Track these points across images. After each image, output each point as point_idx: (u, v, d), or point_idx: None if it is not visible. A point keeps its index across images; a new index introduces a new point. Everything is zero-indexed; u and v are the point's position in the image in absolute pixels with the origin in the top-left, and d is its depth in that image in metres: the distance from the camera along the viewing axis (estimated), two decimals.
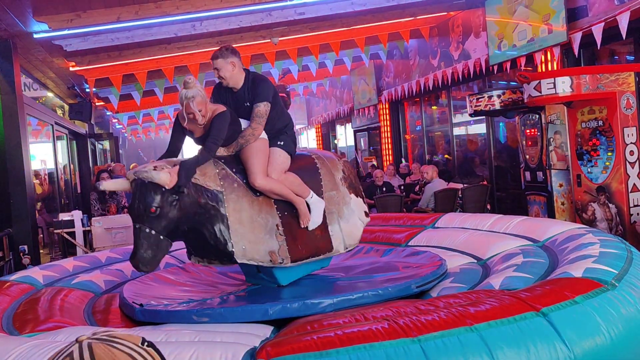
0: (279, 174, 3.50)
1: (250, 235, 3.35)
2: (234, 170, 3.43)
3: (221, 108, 3.38)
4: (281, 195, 3.50)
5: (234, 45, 3.89)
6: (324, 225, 3.69)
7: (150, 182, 3.03)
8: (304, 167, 3.75)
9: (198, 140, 3.45)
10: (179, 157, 3.48)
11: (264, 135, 3.55)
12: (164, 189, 3.05)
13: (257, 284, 3.75)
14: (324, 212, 3.69)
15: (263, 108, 3.48)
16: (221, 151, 3.48)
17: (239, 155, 3.50)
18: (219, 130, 3.30)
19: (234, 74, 3.55)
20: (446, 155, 11.01)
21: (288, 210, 3.56)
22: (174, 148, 3.48)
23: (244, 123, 3.53)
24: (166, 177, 3.03)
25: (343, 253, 3.89)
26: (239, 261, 3.34)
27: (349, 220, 3.83)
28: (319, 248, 3.66)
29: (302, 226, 3.58)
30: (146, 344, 1.06)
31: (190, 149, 3.69)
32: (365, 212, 4.01)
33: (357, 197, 3.96)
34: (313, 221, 3.62)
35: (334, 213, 3.76)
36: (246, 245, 3.32)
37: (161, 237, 3.11)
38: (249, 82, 3.57)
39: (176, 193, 3.09)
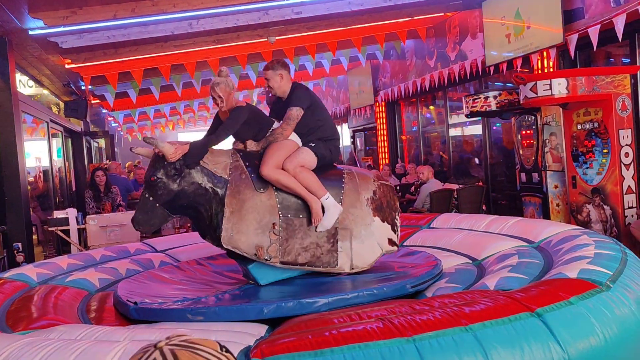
0: (294, 167, 3.59)
1: (241, 226, 3.48)
2: (247, 163, 3.61)
3: (242, 103, 3.72)
4: (289, 188, 3.58)
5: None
6: (333, 238, 3.67)
7: (158, 154, 3.43)
8: (329, 176, 3.79)
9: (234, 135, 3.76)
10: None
11: (296, 138, 3.74)
12: (166, 163, 3.40)
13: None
14: (338, 227, 3.67)
15: (295, 112, 3.70)
16: (252, 145, 3.74)
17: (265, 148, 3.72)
18: (232, 120, 3.57)
19: (281, 85, 3.84)
20: (441, 153, 11.04)
21: (293, 214, 3.61)
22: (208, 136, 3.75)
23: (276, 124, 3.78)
24: (169, 148, 3.38)
25: (347, 273, 3.73)
26: (224, 246, 3.50)
27: (363, 242, 3.73)
28: (320, 259, 3.65)
29: (314, 224, 3.60)
30: (224, 349, 1.05)
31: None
32: (391, 240, 3.87)
33: (383, 222, 3.83)
34: (322, 224, 3.61)
35: (348, 230, 3.71)
36: (234, 234, 3.47)
37: (157, 204, 3.46)
38: (291, 90, 3.86)
39: (179, 169, 3.41)
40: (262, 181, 3.56)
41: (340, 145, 16.83)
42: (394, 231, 3.90)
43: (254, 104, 4.31)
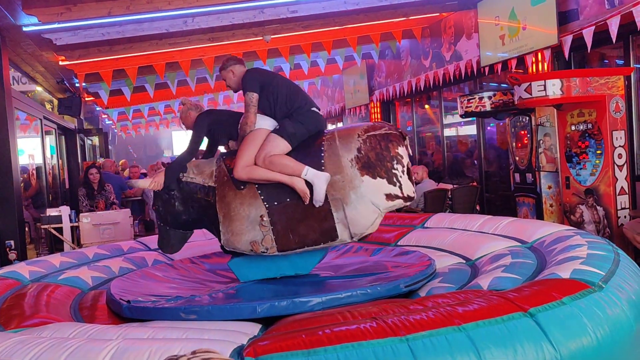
0: (263, 160, 3.53)
1: (233, 226, 3.59)
2: (228, 164, 3.67)
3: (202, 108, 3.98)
4: (267, 181, 3.53)
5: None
6: (328, 212, 3.53)
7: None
8: (308, 148, 3.64)
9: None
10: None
11: (264, 125, 3.65)
12: (157, 191, 3.73)
13: (255, 280, 3.79)
14: (329, 198, 3.52)
15: (248, 98, 3.66)
16: (234, 145, 3.80)
17: None
18: (194, 132, 3.79)
19: (235, 80, 3.86)
20: (429, 151, 11.09)
21: (279, 200, 3.55)
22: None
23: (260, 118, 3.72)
24: (143, 183, 3.80)
25: (351, 242, 3.69)
26: (227, 249, 3.67)
27: (356, 207, 3.51)
28: (322, 236, 3.55)
29: (306, 204, 3.50)
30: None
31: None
32: (390, 194, 3.54)
33: (374, 178, 3.53)
34: (315, 199, 3.48)
35: (338, 200, 3.52)
36: (229, 236, 3.60)
37: (168, 228, 3.85)
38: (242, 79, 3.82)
39: (167, 192, 3.72)
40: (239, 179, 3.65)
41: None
42: (394, 183, 3.55)
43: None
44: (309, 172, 3.50)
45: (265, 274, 3.75)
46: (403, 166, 3.59)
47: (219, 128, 3.79)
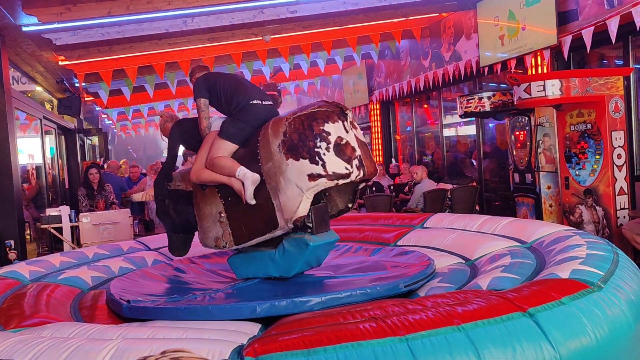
0: (208, 163, 3.67)
1: (202, 225, 3.79)
2: None
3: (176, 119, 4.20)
4: (213, 182, 3.68)
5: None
6: (269, 201, 3.46)
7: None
8: (248, 143, 3.63)
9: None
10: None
11: (217, 127, 3.79)
12: (158, 199, 4.07)
13: (253, 278, 3.77)
14: (267, 187, 3.46)
15: (197, 103, 3.87)
16: None
17: None
18: (168, 143, 4.05)
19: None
20: (427, 154, 11.09)
21: (232, 196, 3.62)
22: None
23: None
24: (138, 195, 4.14)
25: (287, 228, 3.45)
26: (204, 246, 3.85)
27: (285, 192, 3.38)
28: (266, 226, 3.50)
29: (244, 201, 3.48)
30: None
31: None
32: (312, 174, 3.29)
33: (297, 160, 3.32)
34: (246, 198, 3.46)
35: (274, 187, 3.43)
36: (202, 235, 3.81)
37: (170, 232, 4.16)
38: None
39: (159, 202, 4.06)
40: None
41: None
42: (316, 162, 3.29)
43: None
44: (240, 172, 3.49)
45: (256, 273, 3.75)
46: (329, 143, 3.32)
47: (189, 136, 4.00)
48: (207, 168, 3.65)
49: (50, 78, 9.97)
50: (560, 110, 6.05)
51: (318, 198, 3.60)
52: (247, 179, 3.46)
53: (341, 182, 3.35)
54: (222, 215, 3.68)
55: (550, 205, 6.56)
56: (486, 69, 8.07)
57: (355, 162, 3.36)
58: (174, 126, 4.03)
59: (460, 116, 7.64)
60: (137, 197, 3.81)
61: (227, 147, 3.63)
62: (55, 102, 11.26)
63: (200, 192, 3.81)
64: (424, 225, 5.01)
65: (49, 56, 8.13)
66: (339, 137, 3.34)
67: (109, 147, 18.19)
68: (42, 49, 7.67)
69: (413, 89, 10.34)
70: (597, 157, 5.70)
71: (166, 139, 4.11)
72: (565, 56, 6.57)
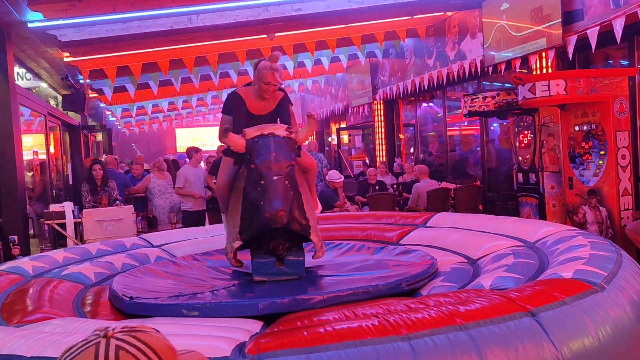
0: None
1: (311, 215, 3.68)
2: None
3: (280, 92, 3.77)
4: (304, 164, 3.83)
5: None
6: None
7: (289, 140, 3.36)
8: None
9: (253, 120, 3.64)
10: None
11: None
12: (297, 146, 3.43)
13: (268, 280, 3.69)
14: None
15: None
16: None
17: None
18: (288, 108, 3.78)
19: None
20: (432, 150, 11.09)
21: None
22: (243, 123, 3.65)
23: None
24: (303, 138, 3.46)
25: None
26: (311, 236, 3.64)
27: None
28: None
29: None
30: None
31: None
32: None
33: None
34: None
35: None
36: (313, 223, 3.65)
37: (291, 192, 3.38)
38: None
39: (298, 154, 3.47)
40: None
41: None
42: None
43: None
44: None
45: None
46: None
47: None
48: None
49: (55, 74, 9.99)
50: (565, 110, 6.03)
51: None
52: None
53: None
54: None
55: (554, 206, 6.55)
56: (490, 69, 8.05)
57: None
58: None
59: (465, 115, 7.64)
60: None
61: None
62: (60, 98, 11.29)
63: (302, 179, 3.74)
64: (427, 225, 5.00)
65: (53, 52, 8.15)
66: None
67: (113, 143, 18.21)
68: (47, 45, 7.69)
69: (417, 88, 10.32)
70: (602, 157, 5.68)
71: (275, 84, 3.65)
72: (570, 56, 6.55)
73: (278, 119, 3.78)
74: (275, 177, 3.27)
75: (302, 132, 3.41)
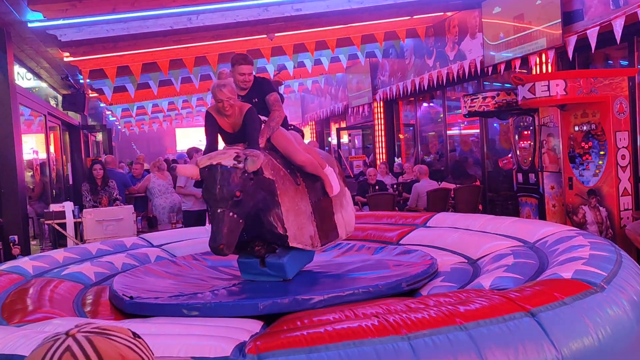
0: (305, 149, 3.91)
1: (298, 221, 3.61)
2: (278, 160, 3.67)
3: (247, 105, 3.65)
4: (315, 169, 3.84)
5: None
6: (332, 214, 4.03)
7: (233, 167, 3.23)
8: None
9: (228, 138, 3.71)
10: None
11: None
12: (246, 174, 3.24)
13: (257, 280, 3.72)
14: (332, 205, 4.03)
15: (275, 96, 3.87)
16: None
17: (272, 142, 3.77)
18: (255, 124, 3.60)
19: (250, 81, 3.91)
20: (432, 150, 11.09)
21: (314, 198, 3.83)
22: (214, 143, 3.73)
23: None
24: (261, 159, 3.29)
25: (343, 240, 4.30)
26: (291, 244, 3.54)
27: (347, 210, 4.22)
28: (332, 235, 4.00)
29: (331, 194, 3.97)
30: (136, 335, 1.02)
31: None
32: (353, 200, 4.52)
33: (347, 189, 4.41)
34: (334, 189, 3.99)
35: (337, 204, 4.10)
36: (296, 231, 3.56)
37: (240, 220, 3.28)
38: (254, 82, 3.95)
39: (252, 178, 3.30)
40: (295, 175, 3.74)
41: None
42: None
43: None
44: (327, 167, 4.02)
45: (302, 265, 3.88)
46: None
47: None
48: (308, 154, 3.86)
49: (55, 74, 9.99)
50: (565, 110, 6.03)
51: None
52: (333, 174, 4.03)
53: None
54: (312, 215, 3.77)
55: (554, 206, 6.55)
56: (490, 69, 8.05)
57: None
58: (254, 109, 3.67)
59: (465, 116, 7.64)
60: (259, 164, 3.26)
61: (302, 141, 4.09)
62: (60, 98, 11.28)
63: (294, 187, 3.68)
64: (427, 225, 5.00)
65: (53, 52, 8.15)
66: None
67: (113, 143, 18.20)
68: (47, 45, 7.69)
69: (417, 88, 10.33)
70: (601, 157, 5.69)
71: (227, 100, 3.52)
72: (570, 56, 6.55)
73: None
74: (219, 210, 3.20)
75: (250, 162, 3.21)
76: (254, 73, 3.97)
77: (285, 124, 4.02)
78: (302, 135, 4.23)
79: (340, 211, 4.13)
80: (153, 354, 1.03)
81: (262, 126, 3.72)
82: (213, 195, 3.23)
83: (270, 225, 3.49)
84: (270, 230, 3.51)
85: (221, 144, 3.87)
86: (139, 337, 1.03)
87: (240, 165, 3.22)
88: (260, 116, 3.77)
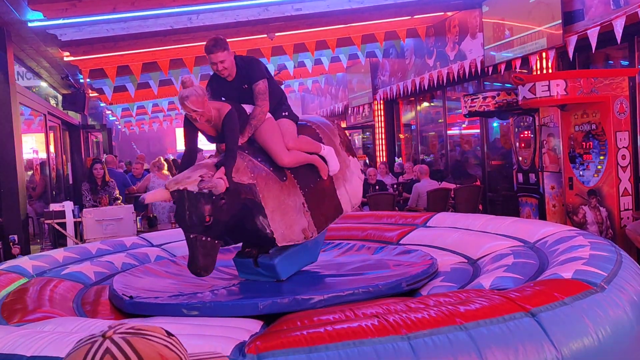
0: (294, 143, 3.67)
1: (286, 220, 3.51)
2: (259, 159, 3.55)
3: (226, 107, 3.41)
4: (304, 162, 3.69)
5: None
6: (333, 191, 3.89)
7: (202, 195, 3.09)
8: (307, 134, 3.92)
9: (211, 139, 3.59)
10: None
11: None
12: (214, 197, 3.11)
13: (252, 279, 3.74)
14: (334, 178, 3.89)
15: (263, 85, 3.57)
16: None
17: (255, 140, 3.61)
18: (233, 131, 3.38)
19: (233, 63, 3.62)
20: (432, 150, 11.08)
21: (308, 185, 3.71)
22: (193, 146, 3.56)
23: (248, 108, 3.60)
24: (222, 185, 3.11)
25: (350, 212, 4.17)
26: (279, 245, 3.49)
27: (352, 182, 4.06)
28: (335, 213, 3.90)
29: (325, 178, 3.79)
30: (169, 334, 1.02)
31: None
32: (360, 169, 4.37)
33: (353, 157, 4.22)
34: (332, 169, 3.83)
35: (340, 178, 3.95)
36: (284, 230, 3.48)
37: (215, 241, 3.22)
38: (240, 66, 3.65)
39: (223, 197, 3.16)
40: (279, 169, 3.58)
41: None
42: (357, 160, 4.39)
43: None
44: (325, 148, 3.83)
45: (301, 265, 3.87)
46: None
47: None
48: (295, 149, 3.64)
49: (55, 74, 9.99)
50: (565, 110, 6.03)
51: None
52: (330, 151, 3.84)
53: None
54: (305, 205, 3.65)
55: (554, 206, 6.55)
56: (491, 69, 8.05)
57: None
58: (233, 111, 3.44)
59: (465, 116, 7.63)
60: (223, 186, 3.12)
61: (296, 130, 3.78)
62: (60, 97, 11.28)
63: (279, 184, 3.54)
64: (427, 224, 5.00)
65: (54, 52, 8.15)
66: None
67: (113, 143, 18.20)
68: (47, 44, 7.69)
69: (417, 88, 10.32)
70: (602, 157, 5.68)
71: (193, 112, 3.32)
72: (571, 56, 6.55)
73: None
74: (192, 236, 3.14)
75: (216, 182, 3.07)
76: (231, 57, 3.60)
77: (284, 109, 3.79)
78: (297, 120, 3.88)
79: (343, 185, 3.96)
80: (186, 352, 1.02)
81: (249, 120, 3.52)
82: (184, 221, 3.15)
83: (256, 230, 3.41)
84: (257, 234, 3.44)
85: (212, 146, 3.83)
86: (173, 335, 1.03)
87: (207, 189, 3.08)
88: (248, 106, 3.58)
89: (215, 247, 3.22)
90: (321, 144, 3.82)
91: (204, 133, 3.54)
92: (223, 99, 3.56)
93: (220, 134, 3.47)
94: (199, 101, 3.29)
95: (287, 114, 3.78)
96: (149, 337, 0.96)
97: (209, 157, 3.72)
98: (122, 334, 0.95)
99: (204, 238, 3.15)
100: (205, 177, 3.11)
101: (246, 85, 3.60)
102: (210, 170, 3.21)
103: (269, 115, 3.62)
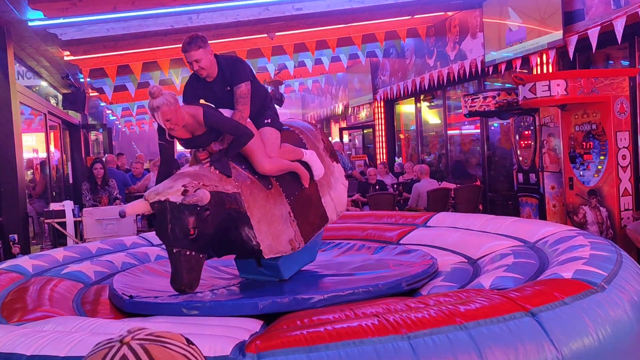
0: (276, 152, 3.47)
1: (272, 230, 3.34)
2: (243, 167, 3.36)
3: (199, 109, 3.21)
4: (286, 170, 3.53)
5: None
6: (318, 199, 3.77)
7: (185, 206, 2.89)
8: (290, 140, 3.75)
9: (186, 144, 3.34)
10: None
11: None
12: (198, 208, 2.91)
13: (253, 279, 3.73)
14: (318, 185, 3.76)
15: (245, 88, 3.33)
16: (217, 145, 3.30)
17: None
18: (224, 121, 3.20)
19: (213, 63, 3.35)
20: (432, 150, 11.06)
21: (293, 193, 3.58)
22: (168, 156, 3.38)
23: (227, 113, 3.37)
24: (207, 196, 2.90)
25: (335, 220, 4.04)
26: (266, 257, 3.32)
27: (336, 189, 3.95)
28: (320, 222, 3.79)
29: (306, 185, 3.64)
30: (189, 341, 1.00)
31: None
32: (345, 175, 4.28)
33: (337, 163, 4.12)
34: (316, 174, 3.71)
35: (324, 185, 3.83)
36: (271, 241, 3.31)
37: (200, 255, 3.05)
38: (222, 66, 3.40)
39: (207, 208, 2.96)
40: (264, 177, 3.43)
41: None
42: (344, 168, 4.31)
43: None
44: (306, 153, 3.67)
45: (302, 263, 3.84)
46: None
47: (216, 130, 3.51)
48: (277, 157, 3.43)
49: (55, 73, 9.99)
50: (565, 110, 6.03)
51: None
52: (312, 155, 3.70)
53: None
54: (291, 215, 3.49)
55: (554, 206, 6.54)
56: (491, 69, 8.05)
57: None
58: (208, 107, 3.32)
59: (465, 115, 7.63)
60: (207, 197, 2.89)
61: (279, 138, 3.56)
62: (60, 97, 11.28)
63: (264, 193, 3.35)
64: (427, 224, 4.99)
65: (54, 51, 8.15)
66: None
67: (113, 142, 18.20)
68: (47, 44, 7.69)
69: (418, 88, 10.32)
70: (602, 157, 5.68)
71: (165, 122, 3.09)
72: (571, 56, 6.55)
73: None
74: (175, 250, 2.96)
75: (201, 194, 2.87)
76: (209, 56, 3.31)
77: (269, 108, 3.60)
78: (280, 128, 3.61)
79: (328, 193, 3.82)
80: None
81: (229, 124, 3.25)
82: (166, 235, 2.96)
83: (241, 242, 3.24)
84: (242, 246, 3.27)
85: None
86: (193, 343, 1.00)
87: (190, 200, 2.86)
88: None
89: (200, 262, 3.05)
90: (303, 150, 3.65)
91: (178, 140, 3.30)
92: (202, 101, 3.37)
93: (195, 138, 3.25)
94: (171, 110, 3.04)
95: (269, 121, 3.53)
96: (168, 345, 0.94)
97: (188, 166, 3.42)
98: (140, 341, 0.93)
99: (188, 252, 2.96)
100: (188, 187, 2.90)
101: (228, 88, 3.36)
102: (194, 179, 3.00)
103: (248, 121, 3.40)
